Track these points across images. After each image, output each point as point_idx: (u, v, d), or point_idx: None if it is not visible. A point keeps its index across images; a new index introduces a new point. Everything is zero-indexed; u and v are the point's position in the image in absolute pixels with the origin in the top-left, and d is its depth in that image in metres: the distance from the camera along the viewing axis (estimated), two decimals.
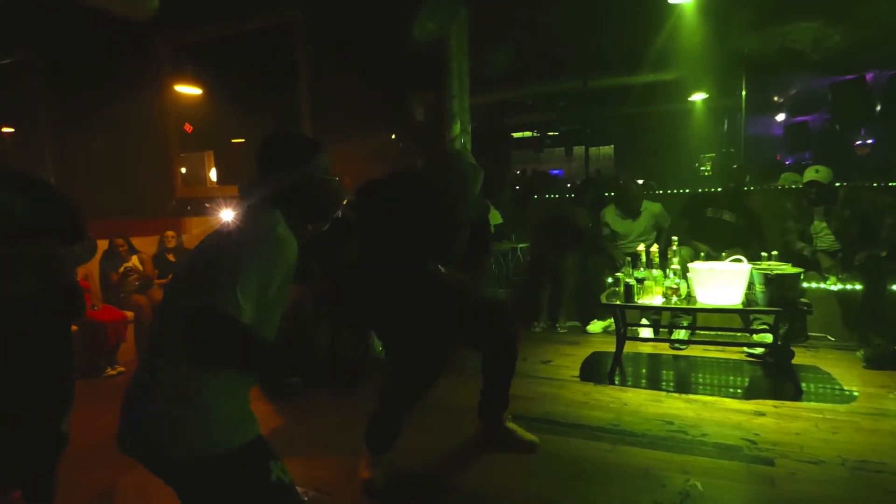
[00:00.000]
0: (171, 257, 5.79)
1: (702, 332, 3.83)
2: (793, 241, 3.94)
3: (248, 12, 5.29)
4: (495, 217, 6.17)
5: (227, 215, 3.67)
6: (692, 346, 3.72)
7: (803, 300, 2.90)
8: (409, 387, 2.15)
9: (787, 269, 2.91)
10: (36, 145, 6.60)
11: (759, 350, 3.42)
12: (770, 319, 3.37)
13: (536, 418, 2.70)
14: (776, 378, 3.11)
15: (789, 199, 4.11)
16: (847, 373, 3.11)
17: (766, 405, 2.73)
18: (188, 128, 6.89)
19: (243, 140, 7.80)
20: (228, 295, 1.13)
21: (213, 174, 8.79)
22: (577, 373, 3.37)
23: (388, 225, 2.11)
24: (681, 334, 3.81)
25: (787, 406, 2.71)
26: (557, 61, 6.31)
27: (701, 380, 3.25)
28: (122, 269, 5.28)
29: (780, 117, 9.86)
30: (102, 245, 5.32)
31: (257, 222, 1.30)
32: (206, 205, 6.51)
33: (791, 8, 4.91)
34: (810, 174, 3.77)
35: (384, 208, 2.16)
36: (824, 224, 3.80)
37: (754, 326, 3.57)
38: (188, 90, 6.12)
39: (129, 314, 5.11)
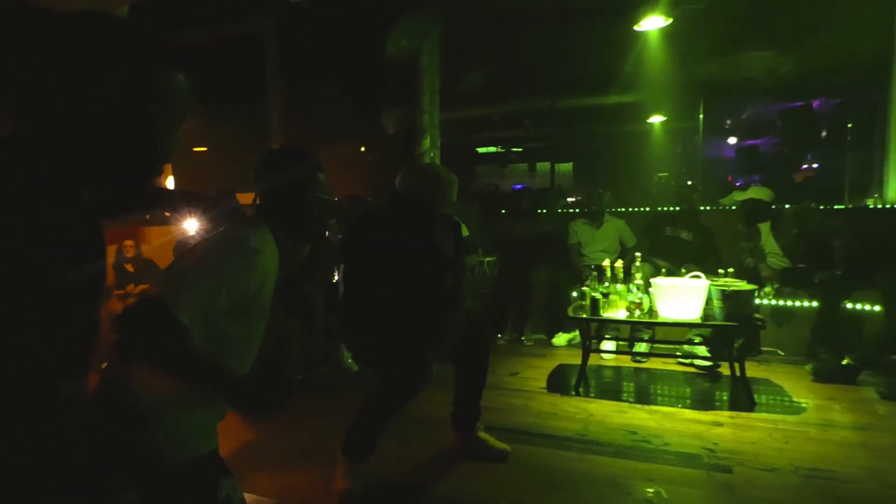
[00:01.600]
0: (129, 267, 5.63)
1: (661, 346, 3.99)
2: (744, 258, 4.16)
3: (221, 21, 5.25)
4: (462, 230, 6.25)
5: (190, 225, 3.60)
6: (652, 358, 3.85)
7: (757, 315, 3.06)
8: (393, 398, 2.16)
9: (743, 285, 3.07)
10: None
11: (706, 363, 3.57)
12: (707, 332, 3.59)
13: (507, 429, 2.75)
14: (731, 390, 3.25)
15: (739, 219, 4.34)
16: (797, 385, 3.29)
17: (723, 416, 2.86)
18: None
19: (206, 149, 7.65)
20: (175, 295, 1.08)
21: (170, 182, 8.57)
22: (544, 384, 3.44)
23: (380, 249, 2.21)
24: (641, 347, 3.95)
25: (743, 416, 2.85)
26: (526, 81, 6.49)
27: (661, 391, 3.37)
28: None
29: (732, 140, 10.37)
30: None
31: (233, 230, 1.30)
32: (167, 214, 6.35)
33: (747, 38, 5.21)
34: (749, 193, 4.12)
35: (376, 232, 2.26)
36: (773, 241, 4.04)
37: (690, 336, 3.77)
38: None
39: None
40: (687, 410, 2.97)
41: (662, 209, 5.02)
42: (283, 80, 5.32)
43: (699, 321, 3.10)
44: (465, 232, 6.16)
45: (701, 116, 6.49)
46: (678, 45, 4.79)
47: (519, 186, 14.45)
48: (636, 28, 4.20)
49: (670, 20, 4.02)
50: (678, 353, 3.78)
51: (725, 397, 3.21)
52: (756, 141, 10.07)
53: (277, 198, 1.40)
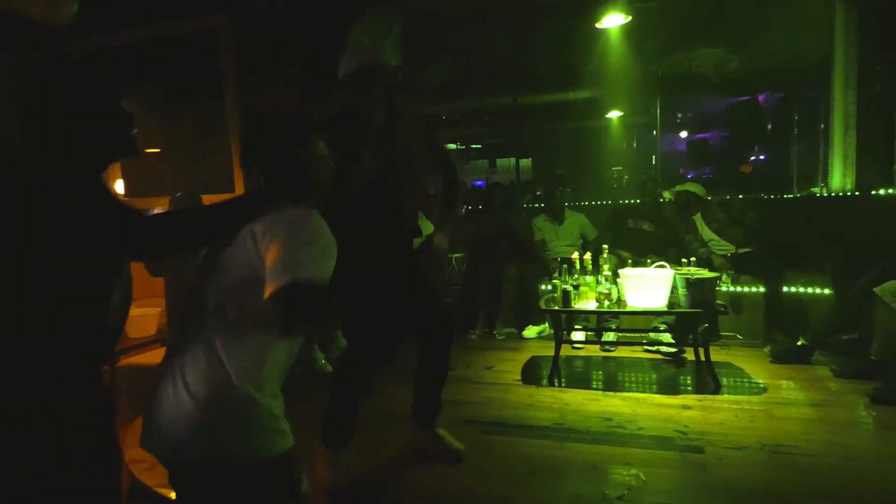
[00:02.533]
0: None
1: (628, 335, 4.13)
2: (695, 248, 4.33)
3: (170, 17, 5.05)
4: (427, 227, 6.25)
5: None
6: (620, 347, 3.96)
7: (719, 302, 3.20)
8: (357, 369, 2.17)
9: (705, 273, 3.20)
10: None
11: (671, 349, 3.71)
12: (671, 320, 3.72)
13: (485, 421, 2.78)
14: (697, 374, 3.39)
15: (675, 211, 4.56)
16: (757, 367, 3.45)
17: (691, 399, 2.98)
18: None
19: (159, 150, 7.38)
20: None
21: (118, 186, 8.22)
22: (518, 377, 3.49)
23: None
24: (610, 336, 4.06)
25: (709, 399, 2.97)
26: (488, 78, 6.54)
27: (631, 378, 3.47)
28: None
29: (684, 134, 10.74)
30: None
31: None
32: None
33: (697, 36, 5.41)
34: (683, 188, 4.51)
35: None
36: (706, 229, 4.30)
37: (655, 324, 3.91)
38: None
39: None
40: (657, 395, 3.08)
41: (624, 202, 5.17)
42: (238, 79, 5.17)
43: (666, 309, 3.21)
44: (430, 228, 6.21)
45: (658, 111, 6.71)
46: (635, 42, 4.94)
47: (480, 183, 14.56)
48: (597, 25, 4.30)
49: (629, 18, 4.13)
50: (644, 341, 3.91)
51: (691, 381, 3.33)
52: (706, 134, 10.46)
53: (284, 164, 1.32)
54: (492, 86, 6.66)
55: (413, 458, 2.42)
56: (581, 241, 4.80)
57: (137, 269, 4.68)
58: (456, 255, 6.01)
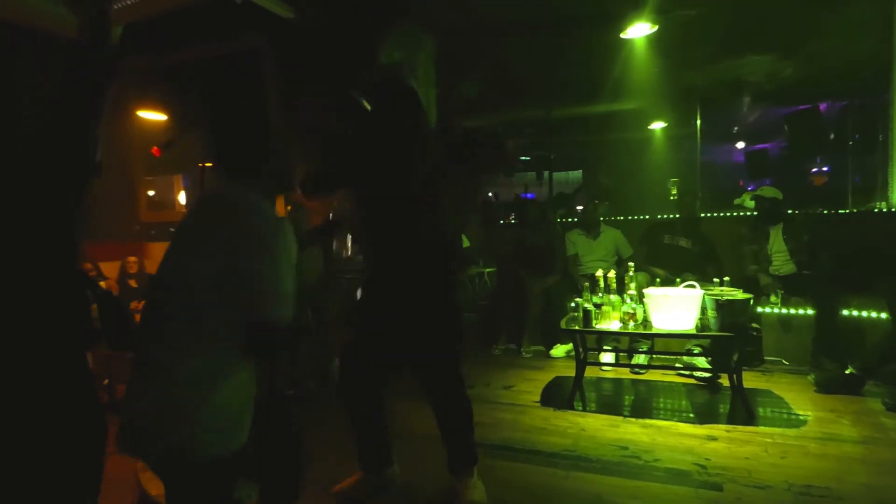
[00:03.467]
0: (132, 283, 5.67)
1: (660, 357, 3.91)
2: (746, 264, 4.09)
3: (216, 38, 5.31)
4: (463, 241, 6.23)
5: None
6: (651, 370, 3.77)
7: (754, 325, 2.98)
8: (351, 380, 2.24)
9: (738, 294, 2.99)
10: None
11: (707, 374, 3.48)
12: (705, 342, 3.48)
13: (494, 445, 2.69)
14: (730, 402, 3.16)
15: (744, 224, 4.26)
16: (799, 397, 3.19)
17: (719, 429, 2.78)
18: (156, 151, 6.82)
19: (212, 164, 7.74)
20: (277, 311, 1.22)
21: (181, 197, 8.69)
22: (538, 398, 3.37)
23: None
24: (640, 359, 3.86)
25: (740, 430, 2.76)
26: (520, 91, 6.48)
27: (658, 404, 3.28)
28: None
29: (741, 145, 10.23)
30: None
31: (233, 204, 1.30)
32: (171, 229, 6.42)
33: (744, 43, 5.13)
34: (757, 191, 4.10)
35: None
36: (780, 241, 3.96)
37: (688, 346, 3.68)
38: (153, 115, 6.09)
39: None
40: (682, 424, 2.89)
41: (661, 217, 4.95)
42: (279, 95, 5.36)
43: (694, 332, 3.02)
44: (465, 243, 6.18)
45: (698, 122, 6.42)
46: (671, 51, 4.74)
47: (529, 195, 14.41)
48: (622, 36, 4.16)
49: (656, 27, 3.97)
50: (677, 365, 3.70)
51: (724, 410, 3.12)
52: (765, 145, 9.92)
53: (240, 143, 1.34)
54: (524, 98, 6.58)
55: (410, 482, 2.37)
56: (615, 257, 4.62)
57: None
58: (488, 269, 5.95)
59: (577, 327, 3.25)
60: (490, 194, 14.39)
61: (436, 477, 2.33)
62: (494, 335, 4.54)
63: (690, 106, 6.52)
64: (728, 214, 4.93)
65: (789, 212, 4.08)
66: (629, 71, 5.27)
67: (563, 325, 3.36)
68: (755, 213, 4.13)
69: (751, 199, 4.21)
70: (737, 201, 4.41)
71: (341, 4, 4.80)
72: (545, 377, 3.77)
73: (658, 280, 3.60)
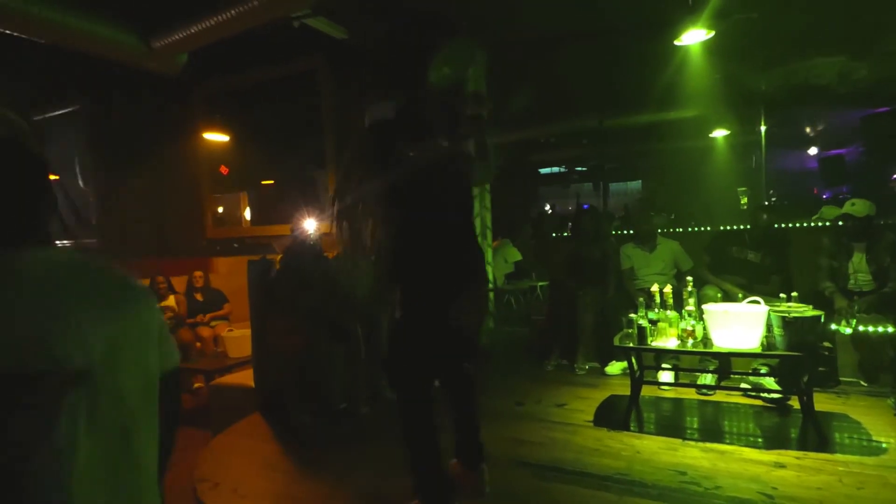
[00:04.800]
0: (198, 297, 5.96)
1: (730, 377, 3.68)
2: (820, 278, 3.82)
3: (276, 60, 5.56)
4: (514, 254, 6.18)
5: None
6: (717, 390, 3.57)
7: (825, 344, 2.78)
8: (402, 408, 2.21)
9: (807, 311, 2.80)
10: (80, 191, 7.00)
11: (776, 395, 3.26)
12: (774, 362, 3.25)
13: (544, 465, 2.63)
14: (801, 426, 2.95)
15: (826, 235, 3.98)
16: (878, 422, 2.93)
17: (788, 456, 2.59)
18: (224, 170, 7.19)
19: (273, 182, 8.07)
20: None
21: (247, 214, 9.10)
22: (591, 417, 3.27)
23: None
24: (707, 378, 3.66)
25: (811, 457, 2.56)
26: (573, 101, 6.39)
27: (720, 427, 3.10)
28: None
29: (814, 150, 9.65)
30: (143, 284, 5.56)
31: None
32: (235, 245, 6.74)
33: (811, 45, 4.86)
34: (846, 207, 3.74)
35: None
36: (864, 261, 3.67)
37: (755, 366, 3.45)
38: (218, 137, 6.43)
39: None
40: (747, 449, 2.71)
41: (727, 228, 4.72)
42: (335, 112, 5.54)
43: (758, 350, 2.85)
44: (517, 256, 6.13)
45: (763, 128, 6.09)
46: (732, 55, 4.54)
47: (585, 206, 14.16)
48: (676, 43, 4.01)
49: (712, 33, 3.80)
50: (742, 385, 3.49)
51: (794, 435, 2.91)
52: (841, 150, 9.31)
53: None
54: (576, 109, 6.49)
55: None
56: (674, 270, 4.44)
57: (239, 293, 5.06)
58: (541, 283, 5.86)
59: (631, 344, 3.13)
60: (546, 206, 14.27)
61: None
62: (547, 350, 4.45)
63: (754, 111, 6.21)
64: (801, 225, 4.64)
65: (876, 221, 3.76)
66: (686, 77, 5.10)
67: (616, 342, 3.25)
68: (840, 225, 3.86)
69: (836, 214, 3.92)
70: (815, 217, 4.13)
71: (392, 24, 4.92)
72: (599, 395, 3.65)
73: (718, 295, 3.43)
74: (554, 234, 6.24)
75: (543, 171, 14.49)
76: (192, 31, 4.25)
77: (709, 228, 4.86)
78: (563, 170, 14.26)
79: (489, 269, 5.44)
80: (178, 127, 6.43)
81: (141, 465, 0.91)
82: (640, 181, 14.13)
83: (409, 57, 4.89)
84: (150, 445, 0.94)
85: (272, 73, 5.80)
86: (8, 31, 3.94)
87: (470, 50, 4.90)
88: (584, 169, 14.02)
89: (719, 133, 7.24)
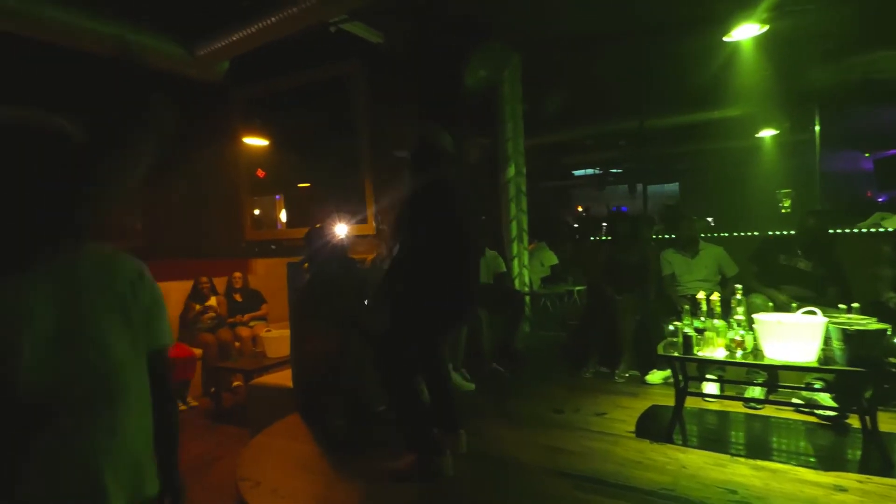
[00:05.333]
0: (237, 297, 6.07)
1: (781, 391, 3.50)
2: (882, 289, 3.60)
3: (311, 65, 5.62)
4: (551, 258, 6.07)
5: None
6: (766, 405, 3.40)
7: (892, 360, 2.60)
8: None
9: (871, 324, 2.62)
10: (125, 195, 7.23)
11: (831, 412, 3.07)
12: (830, 377, 3.07)
13: (583, 476, 2.54)
14: (862, 447, 2.77)
15: (887, 242, 3.76)
16: None
17: (849, 479, 2.43)
18: (260, 173, 7.31)
19: (309, 185, 8.16)
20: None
21: (283, 216, 9.26)
22: (632, 428, 3.15)
23: None
24: (755, 391, 3.49)
25: (875, 482, 2.40)
26: (611, 102, 6.25)
27: (773, 444, 2.95)
28: (199, 308, 5.59)
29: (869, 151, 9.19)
30: (187, 284, 5.70)
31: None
32: (273, 246, 6.84)
33: (871, 39, 4.59)
34: None
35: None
36: None
37: (808, 380, 3.26)
38: (256, 141, 6.54)
39: (198, 351, 5.37)
40: (802, 469, 2.56)
41: (774, 234, 4.51)
42: (370, 116, 5.56)
43: (815, 364, 2.69)
44: (553, 260, 6.02)
45: (817, 128, 5.79)
46: (784, 51, 4.32)
47: (622, 209, 13.87)
48: (725, 39, 3.84)
49: (766, 27, 3.62)
50: (794, 400, 3.31)
51: (853, 456, 2.73)
52: None
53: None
54: (615, 109, 6.33)
55: None
56: (718, 277, 4.27)
57: (276, 294, 5.10)
58: (578, 287, 5.73)
59: (676, 354, 3.01)
60: (580, 209, 14.06)
61: None
62: (584, 357, 4.34)
63: (807, 110, 5.91)
64: (855, 231, 4.39)
65: None
66: (733, 75, 4.90)
67: (660, 350, 3.13)
68: None
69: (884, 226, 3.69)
70: (867, 223, 3.89)
71: (428, 27, 4.90)
72: (640, 405, 3.53)
73: (770, 305, 3.26)
74: (592, 238, 6.11)
75: (577, 173, 14.28)
76: (234, 38, 4.33)
77: (756, 234, 4.65)
78: (597, 172, 14.02)
79: (525, 272, 5.36)
80: (217, 132, 6.58)
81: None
82: (677, 183, 13.77)
83: (442, 62, 4.87)
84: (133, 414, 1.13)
85: (308, 78, 5.87)
86: (59, 44, 4.09)
87: (504, 52, 4.84)
88: (619, 171, 13.74)
89: (766, 133, 6.95)
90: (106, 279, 1.12)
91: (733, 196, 8.29)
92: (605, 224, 10.43)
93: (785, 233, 4.35)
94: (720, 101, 5.46)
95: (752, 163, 7.44)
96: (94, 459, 1.06)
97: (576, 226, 8.58)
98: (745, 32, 3.68)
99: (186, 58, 4.57)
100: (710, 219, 8.91)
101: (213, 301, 5.73)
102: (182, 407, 5.07)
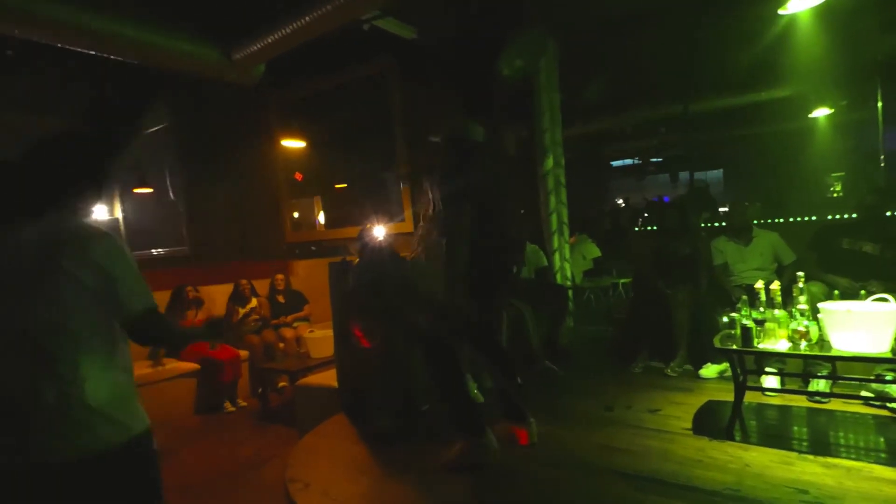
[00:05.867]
0: (280, 299, 6.15)
1: (846, 383, 3.31)
2: None
3: (345, 65, 5.64)
4: (593, 251, 5.93)
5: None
6: (832, 398, 3.21)
7: None
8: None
9: None
10: (170, 200, 7.44)
11: None
12: None
13: (642, 476, 2.44)
14: None
15: None
16: None
17: None
18: (298, 176, 7.40)
19: (346, 185, 8.22)
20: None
21: (321, 218, 9.37)
22: (689, 425, 3.03)
23: None
24: (820, 385, 3.30)
25: None
26: (653, 87, 6.03)
27: (843, 440, 2.78)
28: (243, 311, 5.70)
29: None
30: (227, 287, 5.82)
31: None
32: (313, 248, 6.91)
33: None
34: None
35: None
36: None
37: (878, 371, 3.06)
38: (293, 143, 6.61)
39: (244, 353, 5.47)
40: (879, 467, 2.39)
41: (834, 217, 4.26)
42: (405, 112, 5.54)
43: (889, 355, 2.51)
44: (596, 252, 5.88)
45: (879, 104, 5.42)
46: (844, 22, 4.04)
47: (665, 199, 13.49)
48: (781, 12, 3.61)
49: None
50: (863, 393, 3.12)
51: None
52: None
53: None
54: (657, 95, 6.11)
55: None
56: (774, 265, 4.08)
57: (318, 294, 5.15)
58: (623, 280, 5.58)
59: (734, 346, 2.87)
60: (619, 200, 13.76)
61: None
62: (633, 351, 4.21)
63: (868, 85, 5.54)
64: None
65: None
66: (785, 52, 4.64)
67: (716, 343, 2.99)
68: None
69: None
70: None
71: (461, 20, 4.84)
72: (695, 401, 3.39)
73: (836, 292, 3.08)
74: (637, 229, 5.94)
75: (616, 163, 13.98)
76: (269, 41, 4.37)
77: (813, 218, 4.41)
78: (636, 161, 13.69)
79: (567, 266, 5.25)
80: (256, 135, 6.68)
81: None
82: (720, 170, 13.32)
83: (478, 53, 4.80)
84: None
85: (342, 78, 5.89)
86: (99, 54, 4.20)
87: (541, 39, 4.73)
88: (659, 160, 13.38)
89: (820, 112, 6.59)
90: (74, 246, 1.35)
91: (778, 181, 7.92)
92: (646, 215, 10.14)
93: (847, 216, 4.10)
94: (770, 81, 5.19)
95: (802, 146, 7.08)
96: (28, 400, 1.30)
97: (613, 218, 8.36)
98: (803, 3, 3.43)
99: (224, 62, 4.63)
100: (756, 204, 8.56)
101: (254, 303, 5.82)
102: (231, 408, 5.17)
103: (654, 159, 13.40)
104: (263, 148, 6.66)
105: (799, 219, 4.44)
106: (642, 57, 5.20)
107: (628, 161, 13.83)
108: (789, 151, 7.25)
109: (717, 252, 4.23)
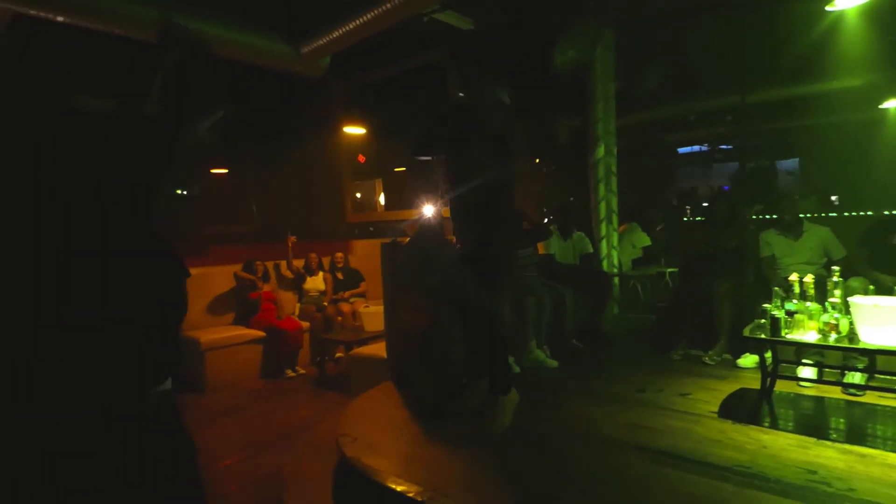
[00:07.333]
0: (339, 276, 6.60)
1: (883, 377, 3.30)
2: None
3: (405, 55, 5.93)
4: (643, 239, 5.97)
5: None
6: (868, 391, 3.23)
7: None
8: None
9: None
10: (243, 183, 8.06)
11: None
12: None
13: (660, 450, 2.62)
14: None
15: None
16: None
17: None
18: (361, 158, 7.82)
19: (405, 169, 8.58)
20: None
21: (381, 199, 9.80)
22: (715, 408, 3.15)
23: None
24: (855, 377, 3.32)
25: None
26: (712, 76, 5.94)
27: (864, 430, 2.83)
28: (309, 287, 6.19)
29: None
30: (299, 262, 6.32)
31: None
32: (371, 228, 7.32)
33: None
34: None
35: None
36: None
37: None
38: (356, 130, 6.99)
39: (305, 324, 5.95)
40: (894, 455, 2.47)
41: (890, 213, 4.16)
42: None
43: None
44: (645, 241, 5.92)
45: None
46: None
47: (725, 188, 13.04)
48: (828, 9, 3.55)
49: None
50: (893, 387, 3.12)
51: None
52: None
53: None
54: (719, 83, 6.00)
55: (568, 479, 2.45)
56: (824, 259, 4.04)
57: (374, 272, 5.52)
58: (670, 269, 5.61)
59: (762, 336, 2.96)
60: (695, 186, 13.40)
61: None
62: (673, 339, 4.31)
63: None
64: None
65: None
66: (851, 41, 4.51)
67: (746, 332, 3.09)
68: None
69: None
70: None
71: (518, 10, 4.99)
72: (727, 388, 3.49)
73: (872, 287, 3.08)
74: (686, 219, 5.92)
75: (683, 150, 13.58)
76: (336, 34, 4.71)
77: (869, 213, 4.31)
78: (704, 149, 13.24)
79: (614, 253, 5.35)
80: (321, 122, 7.12)
81: None
82: (796, 159, 12.68)
83: (533, 43, 4.94)
84: None
85: (402, 67, 6.19)
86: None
87: (596, 31, 4.81)
88: (728, 147, 12.89)
89: (891, 103, 6.24)
90: None
91: (857, 173, 7.55)
92: (705, 204, 9.93)
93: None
94: (835, 72, 5.01)
95: (874, 137, 6.73)
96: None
97: (687, 207, 8.27)
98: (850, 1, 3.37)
99: (294, 55, 5.03)
100: (834, 197, 8.20)
101: (320, 277, 6.29)
102: (292, 374, 5.66)
103: (723, 147, 12.92)
104: (328, 133, 7.10)
105: (855, 213, 4.35)
106: (701, 47, 5.16)
107: (696, 148, 13.41)
108: (861, 143, 6.90)
109: (764, 244, 4.22)
